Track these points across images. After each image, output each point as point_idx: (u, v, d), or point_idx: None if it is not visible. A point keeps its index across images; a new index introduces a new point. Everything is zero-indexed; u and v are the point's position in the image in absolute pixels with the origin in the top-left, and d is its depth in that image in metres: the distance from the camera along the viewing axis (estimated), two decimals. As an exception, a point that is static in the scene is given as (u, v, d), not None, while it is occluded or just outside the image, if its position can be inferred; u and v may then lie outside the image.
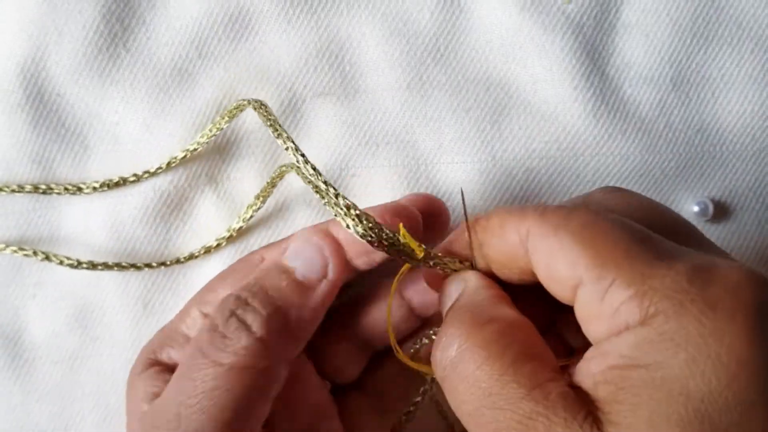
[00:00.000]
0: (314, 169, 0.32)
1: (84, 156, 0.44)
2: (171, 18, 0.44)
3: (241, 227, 0.43)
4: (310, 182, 0.33)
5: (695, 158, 0.44)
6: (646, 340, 0.24)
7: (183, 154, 0.43)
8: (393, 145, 0.44)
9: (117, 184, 0.43)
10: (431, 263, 0.31)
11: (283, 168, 0.40)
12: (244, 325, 0.32)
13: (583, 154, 0.43)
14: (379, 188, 0.44)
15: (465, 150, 0.43)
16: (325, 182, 0.32)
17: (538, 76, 0.43)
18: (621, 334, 0.25)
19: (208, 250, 0.43)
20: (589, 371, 0.26)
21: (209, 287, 0.37)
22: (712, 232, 0.43)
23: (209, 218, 0.44)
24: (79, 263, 0.41)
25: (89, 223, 0.44)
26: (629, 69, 0.43)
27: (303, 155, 0.33)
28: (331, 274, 0.33)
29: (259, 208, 0.42)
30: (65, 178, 0.44)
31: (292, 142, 0.33)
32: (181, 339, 0.36)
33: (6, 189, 0.43)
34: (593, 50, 0.44)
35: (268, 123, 0.35)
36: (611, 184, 0.43)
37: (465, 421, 0.27)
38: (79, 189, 0.43)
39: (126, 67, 0.44)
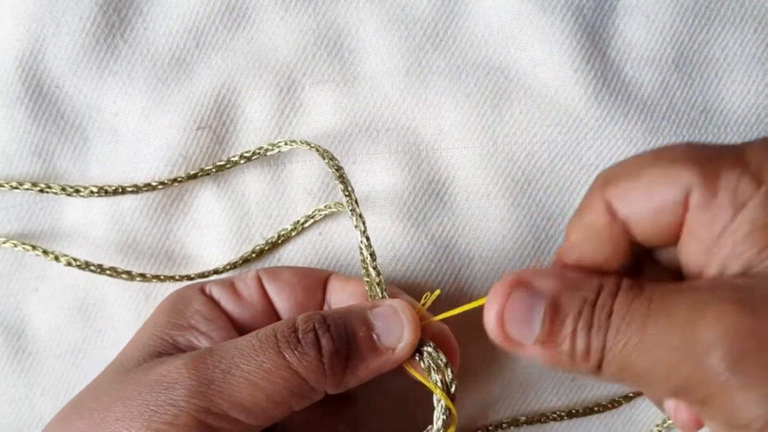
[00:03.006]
0: (372, 255, 0.36)
1: (84, 148, 0.44)
2: (168, 8, 0.44)
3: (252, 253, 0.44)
4: (363, 262, 0.37)
5: (699, 140, 0.43)
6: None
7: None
8: (393, 131, 0.44)
9: (115, 192, 0.42)
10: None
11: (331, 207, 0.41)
12: (318, 345, 0.33)
13: (585, 138, 0.43)
14: (380, 175, 0.43)
15: (466, 135, 0.43)
16: (378, 280, 0.36)
17: (538, 59, 0.43)
18: (745, 207, 0.26)
19: (216, 271, 0.43)
20: (725, 255, 0.27)
21: (278, 271, 0.39)
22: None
23: (210, 208, 0.44)
24: (74, 261, 0.41)
25: (90, 214, 0.44)
26: (630, 50, 0.43)
27: (368, 238, 0.37)
28: (399, 352, 0.34)
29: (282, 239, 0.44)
30: (65, 170, 0.44)
31: (362, 222, 0.37)
32: (226, 283, 0.38)
33: (5, 185, 0.43)
34: (594, 32, 0.43)
35: (341, 185, 0.38)
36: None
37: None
38: (77, 191, 0.42)
39: (124, 58, 0.44)
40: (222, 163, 0.43)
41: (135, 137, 0.44)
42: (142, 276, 0.42)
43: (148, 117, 0.44)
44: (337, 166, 0.38)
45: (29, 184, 0.43)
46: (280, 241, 0.44)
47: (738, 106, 0.43)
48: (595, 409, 0.44)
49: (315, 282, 0.39)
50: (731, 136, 0.43)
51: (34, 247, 0.43)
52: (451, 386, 0.34)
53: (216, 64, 0.44)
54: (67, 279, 0.44)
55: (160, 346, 0.36)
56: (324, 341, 0.33)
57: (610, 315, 0.28)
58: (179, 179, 0.43)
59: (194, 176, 0.43)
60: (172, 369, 0.33)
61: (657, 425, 0.44)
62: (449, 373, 0.34)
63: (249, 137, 0.44)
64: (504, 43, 0.43)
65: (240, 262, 0.43)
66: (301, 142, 0.41)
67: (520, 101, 0.43)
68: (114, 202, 0.43)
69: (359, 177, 0.44)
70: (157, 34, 0.44)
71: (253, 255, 0.43)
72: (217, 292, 0.38)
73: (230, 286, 0.38)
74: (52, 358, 0.45)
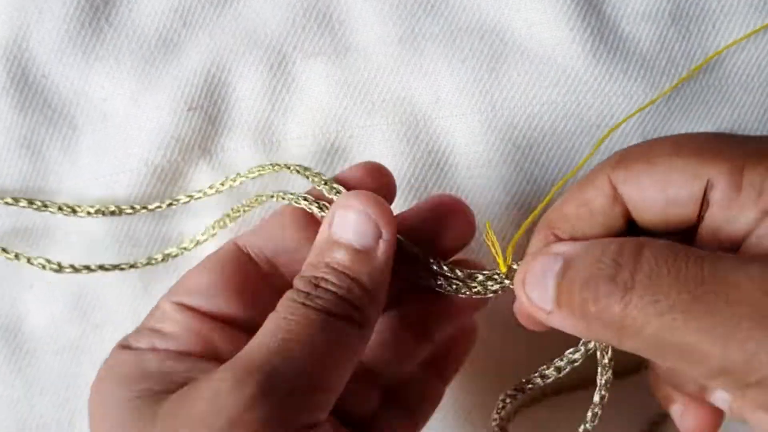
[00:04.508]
0: None
1: (73, 136, 0.43)
2: (153, -12, 0.43)
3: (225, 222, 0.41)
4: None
5: (700, 93, 0.42)
6: None
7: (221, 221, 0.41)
8: (389, 102, 0.43)
9: (113, 213, 0.41)
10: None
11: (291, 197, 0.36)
12: (330, 292, 0.30)
13: (585, 96, 0.42)
14: (377, 148, 0.42)
15: (463, 102, 0.42)
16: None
17: (532, 19, 0.42)
18: None
19: (197, 243, 0.42)
20: (765, 248, 0.25)
21: (181, 282, 0.34)
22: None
23: (206, 199, 0.43)
24: (61, 267, 0.40)
25: (84, 202, 0.42)
26: (626, 5, 0.42)
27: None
28: (385, 235, 0.32)
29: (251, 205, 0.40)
30: (55, 160, 0.43)
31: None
32: (148, 333, 0.33)
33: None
34: (587, -11, 0.42)
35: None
36: (615, 124, 0.42)
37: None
38: (74, 211, 0.41)
39: (110, 42, 0.43)
40: (186, 200, 0.41)
41: (125, 122, 0.43)
42: (133, 266, 0.41)
43: (137, 101, 0.43)
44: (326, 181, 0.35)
45: (25, 202, 0.42)
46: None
47: (738, 56, 0.42)
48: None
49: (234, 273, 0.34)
50: (733, 87, 0.42)
51: (17, 257, 0.41)
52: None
53: (204, 43, 0.43)
54: (63, 274, 0.43)
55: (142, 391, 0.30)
56: (336, 279, 0.30)
57: (633, 276, 0.25)
58: (180, 200, 0.41)
59: (190, 198, 0.41)
60: (214, 386, 0.28)
61: None
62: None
63: (242, 116, 0.43)
64: (497, 4, 0.42)
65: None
66: (270, 166, 0.38)
67: (517, 63, 0.42)
68: (107, 188, 0.42)
69: (357, 151, 0.43)
70: (143, 15, 0.43)
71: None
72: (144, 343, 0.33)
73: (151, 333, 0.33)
74: (50, 355, 0.43)
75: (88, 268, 0.41)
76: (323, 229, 0.32)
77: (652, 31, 0.42)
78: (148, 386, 0.30)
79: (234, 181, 0.39)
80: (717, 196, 0.26)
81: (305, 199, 0.34)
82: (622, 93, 0.42)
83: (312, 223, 0.34)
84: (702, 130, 0.42)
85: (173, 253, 0.42)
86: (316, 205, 0.34)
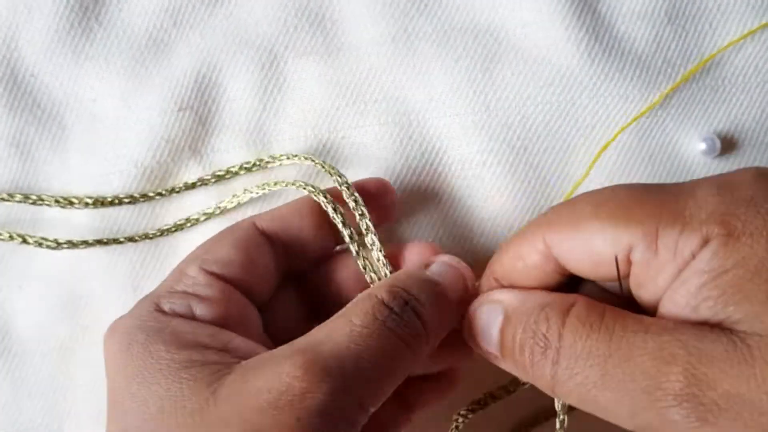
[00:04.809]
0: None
1: (62, 136, 0.43)
2: (143, -13, 0.42)
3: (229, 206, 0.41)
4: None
5: (697, 93, 0.42)
6: (720, 248, 0.26)
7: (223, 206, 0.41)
8: (382, 102, 0.42)
9: (111, 203, 0.41)
10: None
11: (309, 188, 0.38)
12: (417, 314, 0.32)
13: (581, 97, 0.41)
14: (370, 148, 0.42)
15: (457, 102, 0.42)
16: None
17: (527, 18, 0.42)
18: (691, 263, 0.26)
19: (195, 222, 0.41)
20: (679, 306, 0.27)
21: (206, 248, 0.35)
22: (720, 167, 0.42)
23: (195, 193, 0.42)
24: (59, 244, 0.40)
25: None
26: (621, 5, 0.42)
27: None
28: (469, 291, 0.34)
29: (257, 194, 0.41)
30: (44, 160, 0.43)
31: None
32: (183, 296, 0.33)
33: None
34: (582, -12, 0.42)
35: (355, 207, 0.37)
36: (611, 127, 0.42)
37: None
38: (71, 203, 0.41)
39: (100, 42, 0.42)
40: (221, 173, 0.41)
41: (115, 123, 0.42)
42: (131, 239, 0.41)
43: (127, 101, 0.42)
44: (347, 183, 0.37)
45: (20, 197, 0.41)
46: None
47: (735, 56, 0.42)
48: None
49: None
50: (730, 88, 0.42)
51: (11, 237, 0.41)
52: None
53: (195, 43, 0.42)
54: (52, 274, 0.43)
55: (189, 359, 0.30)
56: (420, 310, 0.32)
57: (558, 352, 0.28)
58: (177, 189, 0.41)
59: (192, 186, 0.41)
60: (284, 379, 0.28)
61: None
62: None
63: (233, 116, 0.42)
64: (491, 4, 0.42)
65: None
66: (305, 157, 0.40)
67: (511, 63, 0.42)
68: (96, 189, 0.42)
69: (349, 152, 0.42)
70: (133, 14, 0.42)
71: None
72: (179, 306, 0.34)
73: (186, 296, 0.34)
74: (39, 358, 0.43)
75: (86, 242, 0.40)
76: (419, 266, 0.34)
77: (648, 30, 0.42)
78: (189, 356, 0.30)
79: (268, 163, 0.41)
80: (637, 257, 0.28)
81: (324, 196, 0.36)
82: (618, 93, 0.41)
83: (326, 222, 0.36)
84: (700, 131, 0.42)
85: (171, 229, 0.42)
86: (332, 205, 0.36)
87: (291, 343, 0.30)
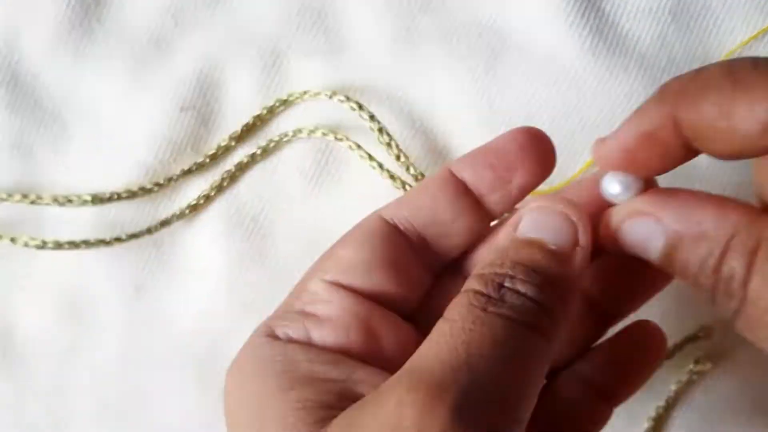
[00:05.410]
0: None
1: (64, 137, 0.43)
2: (144, -13, 0.42)
3: (223, 180, 0.41)
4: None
5: (702, 91, 0.42)
6: None
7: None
8: (385, 102, 0.42)
9: (110, 199, 0.41)
10: None
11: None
12: (516, 291, 0.26)
13: (585, 95, 0.41)
14: (373, 150, 0.42)
15: (461, 101, 0.41)
16: None
17: (531, 16, 0.41)
18: None
19: (194, 209, 0.41)
20: None
21: (328, 255, 0.30)
22: (726, 165, 0.41)
23: (196, 193, 0.42)
24: (44, 243, 0.40)
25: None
26: (626, 2, 0.41)
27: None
28: (582, 241, 0.27)
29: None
30: (46, 160, 0.42)
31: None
32: (298, 318, 0.28)
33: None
34: (586, -15, 0.42)
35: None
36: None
37: None
38: (69, 201, 0.41)
39: (101, 41, 0.42)
40: (213, 152, 0.41)
41: (116, 123, 0.42)
42: (118, 240, 0.41)
43: (128, 101, 0.42)
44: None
45: (19, 196, 0.41)
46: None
47: (739, 54, 0.42)
48: None
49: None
50: (735, 85, 0.42)
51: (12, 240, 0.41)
52: None
53: (196, 42, 0.42)
54: (54, 276, 0.42)
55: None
56: (521, 288, 0.26)
57: (744, 288, 0.23)
58: (174, 178, 0.41)
59: (189, 171, 0.41)
60: (391, 409, 0.23)
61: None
62: None
63: (235, 116, 0.42)
64: (494, 1, 0.42)
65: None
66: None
67: (515, 62, 0.41)
68: (97, 189, 0.42)
69: (351, 154, 0.42)
70: (134, 14, 0.42)
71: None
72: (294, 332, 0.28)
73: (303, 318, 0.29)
74: (42, 359, 0.43)
75: (72, 243, 0.40)
76: (506, 231, 0.28)
77: (652, 28, 0.41)
78: (299, 395, 0.26)
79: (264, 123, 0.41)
80: None
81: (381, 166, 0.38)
82: (622, 91, 0.41)
83: (465, 193, 0.30)
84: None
85: (171, 219, 0.41)
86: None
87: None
